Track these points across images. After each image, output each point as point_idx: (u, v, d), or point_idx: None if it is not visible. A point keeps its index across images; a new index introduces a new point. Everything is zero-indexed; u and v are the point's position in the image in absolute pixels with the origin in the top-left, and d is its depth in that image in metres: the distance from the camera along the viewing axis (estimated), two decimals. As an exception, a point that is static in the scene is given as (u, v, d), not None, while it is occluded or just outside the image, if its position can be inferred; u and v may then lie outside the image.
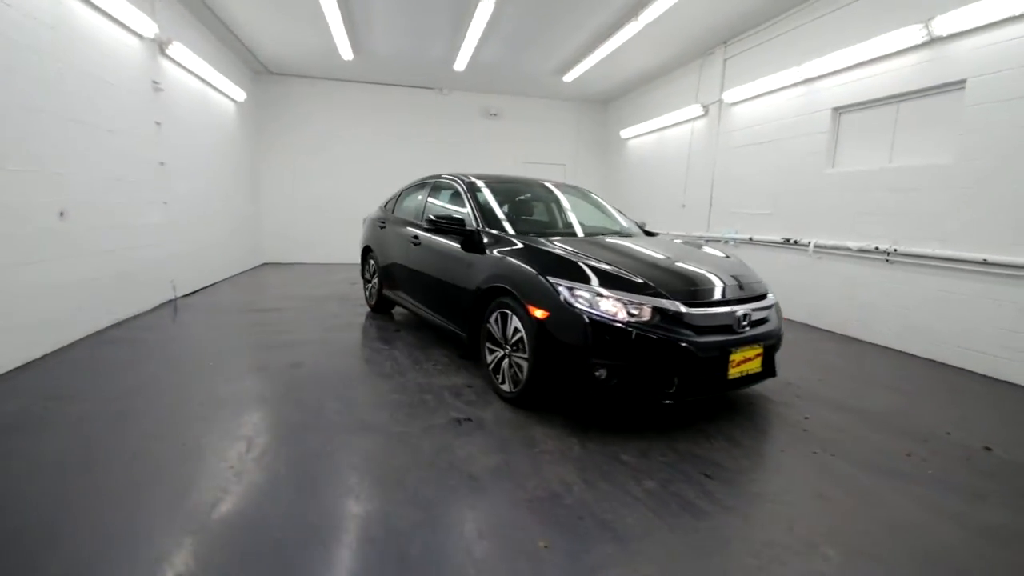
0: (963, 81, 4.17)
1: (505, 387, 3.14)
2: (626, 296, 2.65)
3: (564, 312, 2.67)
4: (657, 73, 8.60)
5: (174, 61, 5.79)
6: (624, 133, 9.92)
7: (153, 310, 5.32)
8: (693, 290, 2.79)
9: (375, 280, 5.45)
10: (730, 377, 2.74)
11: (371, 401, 3.11)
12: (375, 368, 3.74)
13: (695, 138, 7.82)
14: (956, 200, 4.24)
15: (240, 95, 7.88)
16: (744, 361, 2.78)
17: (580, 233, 3.91)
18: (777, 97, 6.15)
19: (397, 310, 5.72)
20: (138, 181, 5.05)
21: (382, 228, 5.28)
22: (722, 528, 1.98)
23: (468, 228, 3.67)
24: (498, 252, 3.32)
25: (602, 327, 2.58)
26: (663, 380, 2.63)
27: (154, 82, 5.31)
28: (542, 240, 3.32)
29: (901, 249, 4.65)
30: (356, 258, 9.84)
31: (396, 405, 3.06)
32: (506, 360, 3.12)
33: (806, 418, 3.09)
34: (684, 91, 8.05)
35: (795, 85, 5.85)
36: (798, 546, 1.88)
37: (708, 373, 2.65)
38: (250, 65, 8.69)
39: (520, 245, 3.24)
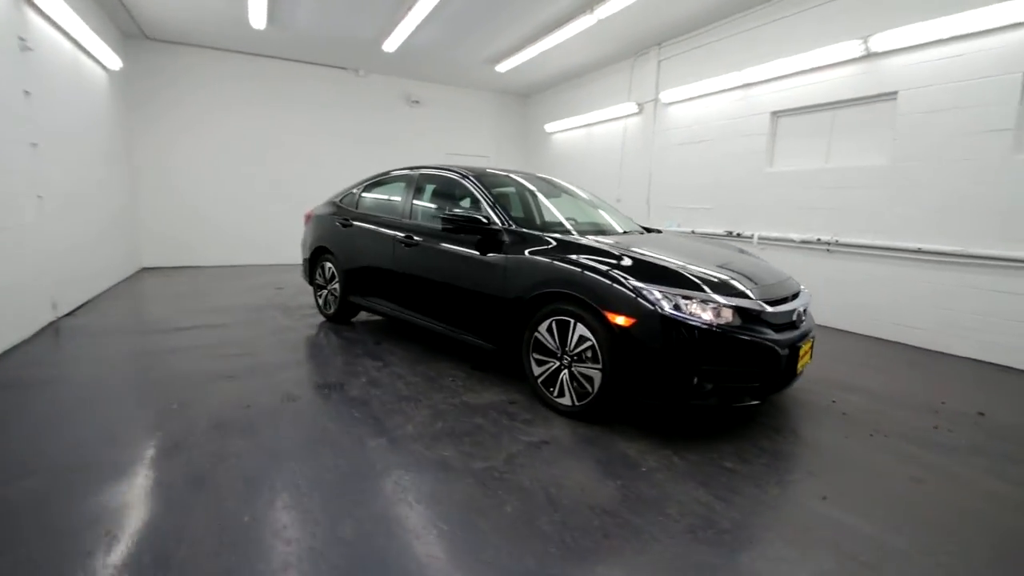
0: (895, 92, 4.79)
1: (564, 401, 2.90)
2: (715, 298, 2.56)
3: (654, 318, 2.51)
4: (586, 70, 8.73)
5: (43, 14, 4.43)
6: (549, 127, 9.95)
7: (33, 337, 4.06)
8: (763, 288, 2.81)
9: (335, 285, 4.76)
10: (798, 371, 2.82)
11: (421, 433, 2.66)
12: (389, 392, 3.22)
13: (629, 135, 8.10)
14: (891, 197, 4.88)
15: (115, 63, 6.35)
16: (805, 354, 2.87)
17: (606, 230, 3.75)
18: (716, 99, 6.56)
19: (360, 317, 5.08)
20: (7, 168, 3.79)
21: (344, 227, 4.62)
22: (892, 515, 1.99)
23: (491, 227, 3.31)
24: (535, 253, 3.03)
25: (698, 332, 2.46)
26: (751, 380, 2.61)
27: (20, 39, 4.01)
28: (590, 238, 3.13)
29: (841, 240, 5.26)
30: (265, 258, 8.80)
31: (452, 435, 2.65)
32: (564, 372, 2.88)
33: (833, 402, 3.31)
34: (615, 89, 8.28)
35: (734, 89, 6.30)
36: (951, 526, 1.96)
37: (785, 369, 2.69)
38: (122, 27, 7.06)
39: (573, 244, 3.01)
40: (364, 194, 4.71)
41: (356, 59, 8.58)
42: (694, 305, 2.53)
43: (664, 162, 7.44)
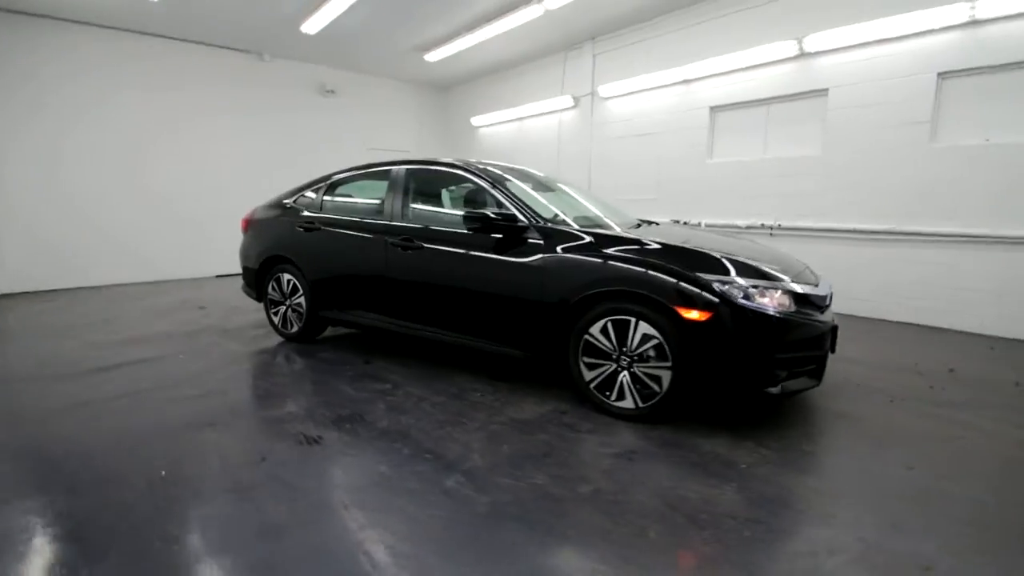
0: (827, 89, 5.30)
1: (624, 404, 2.75)
2: (780, 284, 2.58)
3: (729, 310, 2.45)
4: (514, 63, 8.60)
5: None
6: (476, 120, 9.67)
7: None
8: (794, 274, 2.88)
9: (298, 299, 4.11)
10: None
11: (494, 462, 2.33)
12: (422, 418, 2.82)
13: (565, 128, 8.13)
14: (825, 184, 5.41)
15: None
16: (832, 334, 3.02)
17: (617, 224, 3.61)
18: (656, 94, 6.81)
19: (326, 333, 4.46)
20: None
21: (308, 231, 4.00)
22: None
23: (518, 225, 3.03)
24: (571, 251, 2.84)
25: (771, 320, 2.46)
26: (809, 363, 2.67)
27: None
28: (630, 232, 3.00)
29: (784, 224, 5.74)
30: (150, 275, 7.42)
31: (529, 458, 2.37)
32: (623, 374, 2.73)
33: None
34: (548, 82, 8.26)
35: (675, 85, 6.57)
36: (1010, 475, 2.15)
37: (830, 350, 2.79)
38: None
39: (614, 239, 2.85)
40: (329, 195, 4.11)
41: (262, 42, 7.58)
42: (761, 293, 2.52)
43: (604, 155, 7.58)
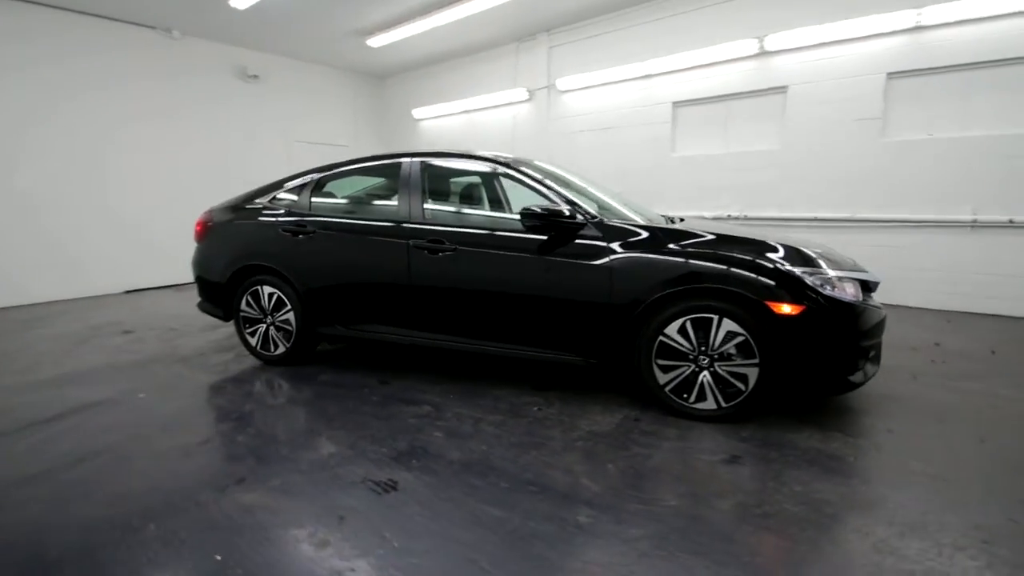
0: (786, 87, 5.63)
1: (705, 405, 2.63)
2: (853, 275, 2.60)
3: (821, 302, 2.42)
4: (460, 53, 8.22)
5: None
6: (418, 113, 9.14)
7: None
8: (837, 263, 2.94)
9: (285, 315, 3.51)
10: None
11: (612, 485, 2.09)
12: (492, 443, 2.49)
13: (520, 122, 7.93)
14: (785, 176, 5.75)
15: None
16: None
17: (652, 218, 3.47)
18: (618, 88, 6.83)
19: (323, 350, 3.87)
20: None
21: (296, 235, 3.42)
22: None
23: (574, 222, 2.79)
24: (635, 248, 2.68)
25: (855, 309, 2.47)
26: (874, 350, 2.73)
27: None
28: (697, 226, 2.88)
29: (749, 215, 6.03)
30: (32, 295, 6.11)
31: (641, 477, 2.16)
32: (704, 374, 2.61)
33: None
34: (499, 74, 7.99)
35: (636, 79, 6.63)
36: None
37: None
38: None
39: (678, 233, 2.74)
40: (318, 194, 3.55)
41: (174, 16, 6.47)
42: (843, 283, 2.53)
43: (564, 149, 7.49)
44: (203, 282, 3.84)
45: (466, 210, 3.45)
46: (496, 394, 3.08)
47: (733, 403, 2.59)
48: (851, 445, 2.40)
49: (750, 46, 5.66)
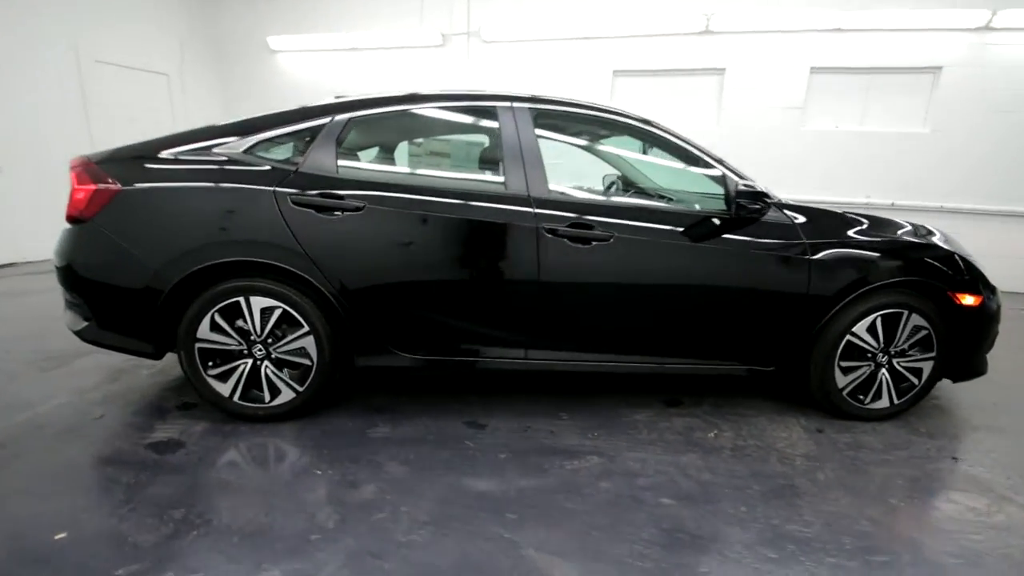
0: (724, 69, 5.84)
1: (879, 405, 2.48)
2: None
3: (990, 290, 2.45)
4: (344, -30, 6.51)
5: None
6: (276, 42, 7.03)
7: None
8: None
9: (300, 343, 2.17)
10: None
11: (901, 528, 1.75)
12: (749, 499, 1.90)
13: (431, 72, 6.69)
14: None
15: None
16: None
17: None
18: (555, 48, 6.22)
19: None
20: None
21: (340, 213, 2.12)
22: None
23: (767, 201, 2.32)
24: (823, 235, 2.36)
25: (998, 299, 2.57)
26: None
27: None
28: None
29: (684, 192, 6.22)
30: None
31: (874, 497, 1.88)
32: (883, 372, 2.44)
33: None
34: (399, 8, 6.57)
35: (575, 39, 6.12)
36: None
37: None
38: None
39: (845, 218, 2.49)
40: (349, 146, 2.26)
41: None
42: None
43: (485, 109, 6.62)
44: (102, 292, 2.15)
45: (598, 182, 2.65)
46: (635, 419, 2.44)
47: (904, 399, 2.49)
48: None
49: (696, 23, 5.69)
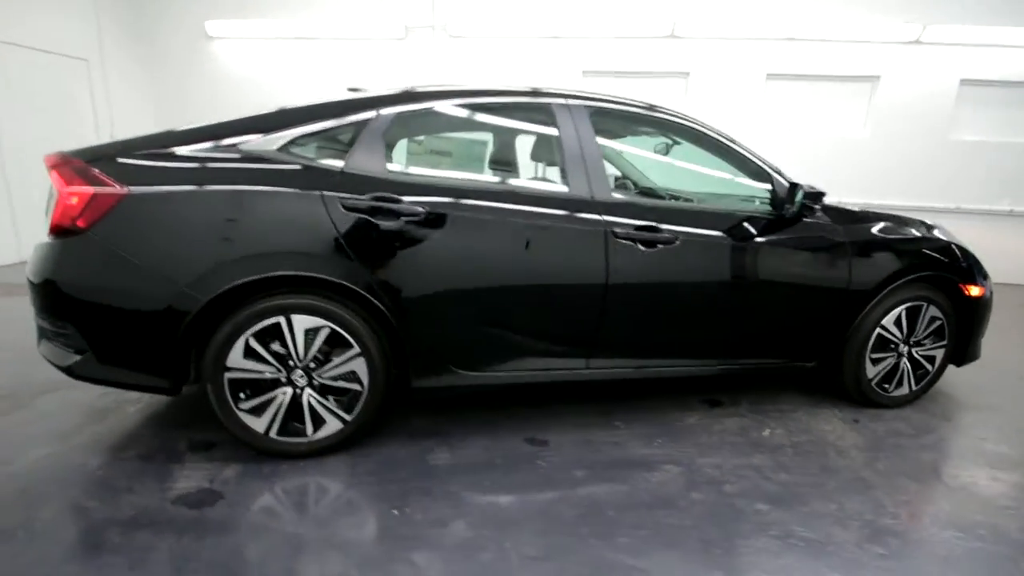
0: (688, 72, 6.04)
1: (900, 392, 2.65)
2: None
3: (989, 281, 2.69)
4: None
5: None
6: (214, 27, 6.36)
7: None
8: None
9: (354, 364, 1.91)
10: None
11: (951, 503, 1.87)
12: (807, 493, 1.93)
13: (392, 67, 6.35)
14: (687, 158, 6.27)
15: None
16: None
17: None
18: (525, 46, 6.13)
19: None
20: None
21: (408, 222, 1.90)
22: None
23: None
24: (857, 232, 2.49)
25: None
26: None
27: None
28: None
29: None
30: None
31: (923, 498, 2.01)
32: (903, 362, 2.61)
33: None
34: (357, -3, 6.19)
35: (545, 39, 6.07)
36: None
37: None
38: None
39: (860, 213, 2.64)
40: (407, 144, 2.07)
41: None
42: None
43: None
44: (104, 318, 1.77)
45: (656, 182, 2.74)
46: (688, 422, 2.43)
47: (920, 385, 2.68)
48: None
49: (663, 27, 5.84)
